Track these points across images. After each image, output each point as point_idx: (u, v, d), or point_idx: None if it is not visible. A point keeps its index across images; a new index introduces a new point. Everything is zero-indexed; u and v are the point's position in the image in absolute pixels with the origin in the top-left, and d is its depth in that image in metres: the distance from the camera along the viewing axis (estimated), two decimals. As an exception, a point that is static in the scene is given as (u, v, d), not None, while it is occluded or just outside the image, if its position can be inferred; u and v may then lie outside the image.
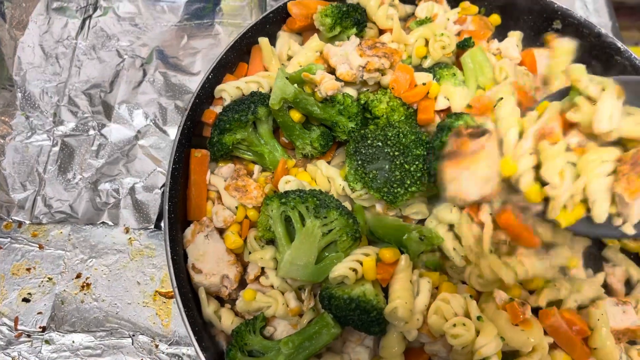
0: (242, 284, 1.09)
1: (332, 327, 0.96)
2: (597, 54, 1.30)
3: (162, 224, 1.28)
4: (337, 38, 1.27)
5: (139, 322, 1.22)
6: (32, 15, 1.53)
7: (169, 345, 1.20)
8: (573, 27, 1.31)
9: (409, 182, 0.99)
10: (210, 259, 1.06)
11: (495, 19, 1.37)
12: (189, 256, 1.08)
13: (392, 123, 1.08)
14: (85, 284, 1.25)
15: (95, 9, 1.56)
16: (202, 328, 1.02)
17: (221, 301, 1.10)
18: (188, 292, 1.04)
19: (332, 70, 1.16)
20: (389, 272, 0.98)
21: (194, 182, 1.13)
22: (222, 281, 1.06)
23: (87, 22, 1.55)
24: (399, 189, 0.99)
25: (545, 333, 0.98)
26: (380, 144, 1.02)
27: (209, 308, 1.05)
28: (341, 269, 0.96)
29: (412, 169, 0.99)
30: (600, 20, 1.72)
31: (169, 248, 1.02)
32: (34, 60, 1.48)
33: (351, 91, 1.17)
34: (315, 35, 1.27)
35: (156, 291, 1.26)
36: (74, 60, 1.49)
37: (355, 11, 1.26)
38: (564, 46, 1.28)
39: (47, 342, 1.18)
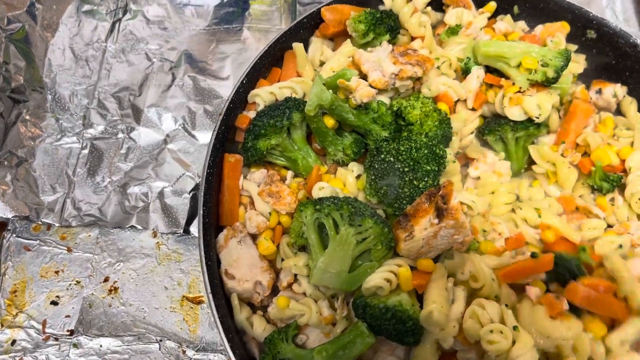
0: (274, 290, 1.08)
1: (366, 336, 0.94)
2: (632, 65, 1.28)
3: (194, 230, 1.30)
4: (370, 44, 1.26)
5: (166, 327, 1.21)
6: (63, 18, 1.53)
7: (196, 351, 1.20)
8: (608, 36, 1.29)
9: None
10: (243, 265, 1.05)
11: (490, 7, 1.35)
12: (222, 262, 1.07)
13: (409, 136, 1.06)
14: (113, 288, 1.25)
15: (124, 13, 1.57)
16: (234, 335, 1.01)
17: (252, 307, 1.09)
18: (221, 298, 1.03)
19: (363, 77, 1.15)
20: (425, 279, 0.97)
21: (227, 187, 1.12)
22: (255, 287, 1.05)
23: (117, 25, 1.56)
24: (408, 206, 0.99)
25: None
26: (392, 159, 1.01)
27: (241, 315, 1.03)
28: (375, 279, 0.94)
29: (421, 185, 0.98)
30: (630, 29, 1.70)
31: (203, 253, 1.01)
32: (64, 63, 1.48)
33: (384, 98, 1.16)
34: (348, 40, 1.26)
35: (183, 296, 1.25)
36: (104, 63, 1.49)
37: (388, 18, 1.25)
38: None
39: (75, 345, 1.18)
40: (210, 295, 0.98)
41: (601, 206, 1.13)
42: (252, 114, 1.16)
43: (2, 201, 1.25)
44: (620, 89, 1.28)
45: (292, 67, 1.25)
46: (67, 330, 1.20)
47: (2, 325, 1.20)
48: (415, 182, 0.98)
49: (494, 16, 1.37)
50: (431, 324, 0.92)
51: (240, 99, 1.18)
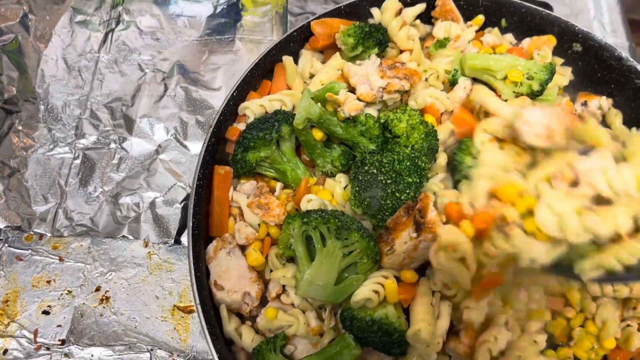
0: (263, 301, 1.09)
1: (353, 347, 0.96)
2: (617, 77, 1.30)
3: (184, 240, 1.31)
4: (359, 57, 1.28)
5: (157, 336, 1.22)
6: (56, 28, 1.55)
7: (187, 360, 1.21)
8: (593, 50, 1.32)
9: None
10: (232, 276, 1.06)
11: (478, 20, 1.38)
12: (212, 273, 1.08)
13: (392, 148, 1.09)
14: (104, 297, 1.26)
15: (117, 23, 1.58)
16: (223, 345, 1.02)
17: (241, 318, 1.10)
18: (210, 309, 1.04)
19: (351, 89, 1.17)
20: (410, 292, 0.99)
21: (217, 198, 1.13)
22: (244, 298, 1.06)
23: (110, 35, 1.57)
24: (390, 217, 1.01)
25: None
26: (375, 170, 1.03)
27: (230, 325, 1.05)
28: (364, 292, 0.96)
29: (402, 197, 1.00)
30: (618, 40, 1.73)
31: (192, 265, 1.02)
32: (57, 73, 1.49)
33: (372, 111, 1.18)
34: (337, 54, 1.28)
35: (174, 306, 1.26)
36: (97, 73, 1.51)
37: (377, 31, 1.27)
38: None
39: (66, 355, 1.19)
40: (199, 306, 0.99)
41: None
42: (242, 126, 1.18)
43: (-5, 211, 1.26)
44: (605, 102, 1.30)
45: (282, 79, 1.26)
46: (59, 340, 1.20)
47: (-7, 335, 1.20)
48: (397, 194, 1.00)
49: (482, 29, 1.39)
50: (418, 342, 0.93)
51: (230, 111, 1.20)
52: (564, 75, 1.33)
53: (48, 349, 1.19)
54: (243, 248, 1.11)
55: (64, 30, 1.55)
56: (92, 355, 1.19)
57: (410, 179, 1.00)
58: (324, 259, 0.96)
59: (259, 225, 1.11)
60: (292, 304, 1.05)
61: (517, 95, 1.19)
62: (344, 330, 0.99)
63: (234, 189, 1.17)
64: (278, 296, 1.07)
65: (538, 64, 1.20)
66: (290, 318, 1.02)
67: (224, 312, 1.05)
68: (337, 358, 0.96)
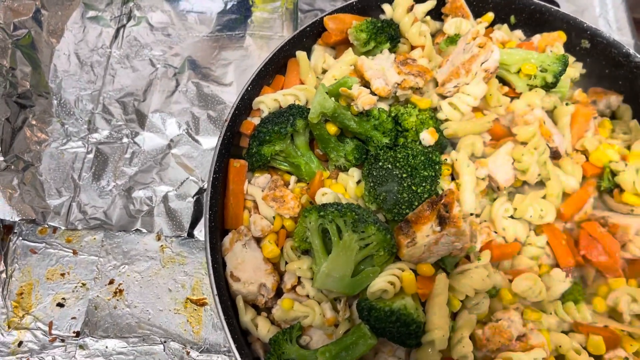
0: (278, 293, 1.10)
1: (369, 337, 0.97)
2: (624, 74, 1.32)
3: (197, 233, 1.33)
4: (370, 53, 1.29)
5: (170, 328, 1.23)
6: (68, 24, 1.56)
7: (200, 352, 1.22)
8: (601, 46, 1.33)
9: (416, 204, 1.01)
10: (248, 268, 1.07)
11: (488, 17, 1.39)
12: (228, 264, 1.09)
13: (405, 144, 1.09)
14: (117, 290, 1.27)
15: (129, 19, 1.60)
16: (240, 336, 1.03)
17: (257, 309, 1.11)
18: (227, 300, 1.05)
19: (365, 83, 1.18)
20: (428, 286, 1.00)
21: (232, 191, 1.14)
22: (260, 290, 1.08)
23: (121, 31, 1.58)
24: (407, 210, 1.01)
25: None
26: (390, 166, 1.04)
27: (246, 316, 1.06)
28: (380, 283, 0.97)
29: (419, 190, 1.01)
30: (623, 38, 1.74)
31: (209, 256, 1.03)
32: (69, 68, 1.50)
33: (384, 105, 1.19)
34: (350, 49, 1.29)
35: (187, 298, 1.28)
36: (108, 68, 1.52)
37: (389, 27, 1.28)
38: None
39: (81, 347, 1.20)
40: (217, 297, 1.00)
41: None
42: (256, 120, 1.19)
43: (9, 205, 1.26)
44: (615, 100, 1.31)
45: (295, 74, 1.27)
46: (73, 332, 1.22)
47: (9, 327, 1.21)
48: (413, 187, 1.01)
49: (491, 25, 1.40)
50: (431, 348, 0.95)
51: (244, 106, 1.21)
52: (576, 67, 1.34)
53: (63, 340, 1.21)
54: (258, 240, 1.12)
55: (75, 26, 1.56)
56: (106, 347, 1.20)
57: (425, 173, 1.01)
58: (340, 252, 0.97)
59: (273, 217, 1.12)
60: (307, 296, 1.06)
61: (531, 87, 1.21)
62: (360, 321, 1.00)
63: (249, 182, 1.18)
64: (293, 287, 1.08)
65: (551, 56, 1.21)
66: (305, 309, 1.03)
67: (240, 303, 1.06)
68: (353, 348, 0.97)
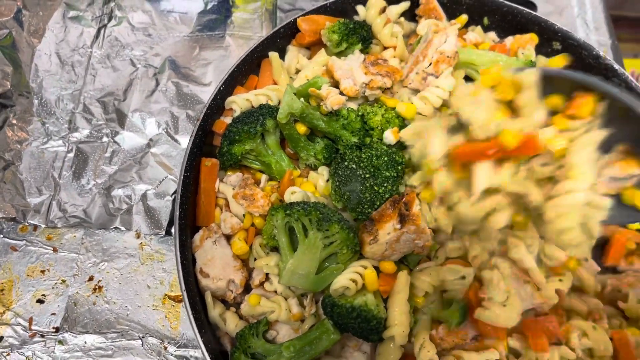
0: (247, 288, 1.13)
1: (332, 333, 1.01)
2: (595, 75, 1.33)
3: (173, 230, 1.35)
4: (343, 53, 1.31)
5: (149, 324, 1.26)
6: (49, 24, 1.57)
7: (177, 347, 1.24)
8: (572, 48, 1.35)
9: (378, 204, 1.04)
10: (218, 264, 1.10)
11: (461, 19, 1.41)
12: (197, 261, 1.12)
13: (371, 144, 1.12)
14: (97, 287, 1.30)
15: (110, 19, 1.61)
16: (208, 330, 1.07)
17: (226, 304, 1.14)
18: (195, 295, 1.08)
19: (336, 84, 1.21)
20: (389, 283, 1.03)
21: (203, 190, 1.17)
22: (228, 285, 1.10)
23: (102, 31, 1.60)
24: (369, 210, 1.04)
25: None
26: (354, 165, 1.06)
27: (214, 311, 1.09)
28: (342, 280, 1.00)
29: (380, 190, 1.04)
30: (600, 38, 1.77)
31: (178, 252, 1.06)
32: (50, 68, 1.52)
33: (353, 105, 1.22)
34: (323, 50, 1.31)
35: (165, 295, 1.30)
36: (89, 68, 1.54)
37: (361, 28, 1.30)
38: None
39: (60, 342, 1.23)
40: (184, 292, 1.03)
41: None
42: (228, 120, 1.21)
43: (-10, 203, 1.29)
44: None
45: (268, 74, 1.30)
46: (53, 328, 1.24)
47: (-11, 323, 1.24)
48: (375, 187, 1.04)
49: (465, 27, 1.42)
50: (392, 343, 0.99)
51: (217, 105, 1.23)
52: None
53: (42, 336, 1.23)
54: (228, 237, 1.15)
55: (57, 26, 1.58)
56: (85, 342, 1.23)
57: (387, 173, 1.04)
58: (305, 250, 1.00)
59: (243, 215, 1.15)
60: (275, 292, 1.09)
61: None
62: (324, 317, 1.04)
63: (221, 180, 1.20)
64: (261, 284, 1.11)
65: (519, 60, 1.23)
66: (272, 304, 1.06)
67: (208, 299, 1.09)
68: (317, 343, 1.00)
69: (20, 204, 1.33)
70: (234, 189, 1.17)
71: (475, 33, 1.38)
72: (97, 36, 1.59)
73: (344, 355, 1.06)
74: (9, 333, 1.23)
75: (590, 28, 1.77)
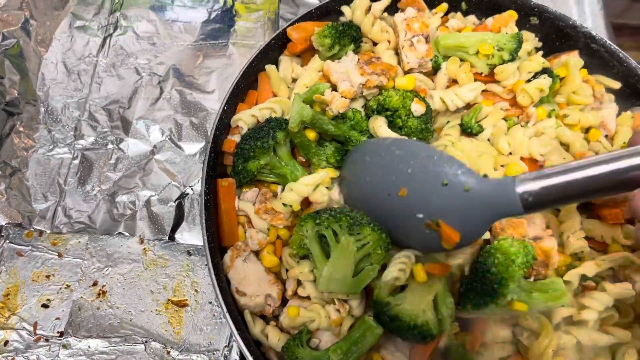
0: (283, 300, 1.13)
1: (374, 328, 1.02)
2: (574, 44, 1.38)
3: (179, 237, 1.37)
4: (336, 56, 1.31)
5: (152, 329, 1.27)
6: (56, 33, 1.60)
7: (180, 352, 1.25)
8: (549, 21, 1.39)
9: None
10: (252, 281, 1.10)
11: (442, 7, 1.44)
12: (232, 281, 1.12)
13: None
14: (101, 292, 1.31)
15: (115, 28, 1.64)
16: (255, 347, 1.07)
17: (264, 318, 1.14)
18: (237, 316, 1.08)
19: (333, 87, 1.23)
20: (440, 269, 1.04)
21: (224, 210, 1.17)
22: (266, 300, 1.10)
23: (108, 40, 1.62)
24: None
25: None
26: None
27: (256, 328, 1.09)
28: (393, 272, 1.00)
29: None
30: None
31: (214, 276, 1.06)
32: (56, 77, 1.55)
33: (357, 105, 1.24)
34: (316, 56, 1.32)
35: (169, 300, 1.32)
36: (95, 76, 1.56)
37: (350, 29, 1.31)
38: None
39: (64, 346, 1.24)
40: (228, 315, 1.03)
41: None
42: (236, 138, 1.22)
43: (-4, 209, 1.31)
44: (565, 57, 1.36)
45: (267, 87, 1.31)
46: (57, 332, 1.25)
47: (-5, 327, 1.26)
48: None
49: (445, 15, 1.44)
50: None
51: (223, 125, 1.24)
52: (528, 40, 1.39)
53: (47, 340, 1.24)
54: (257, 253, 1.16)
55: (63, 35, 1.61)
56: (89, 347, 1.24)
57: None
58: (339, 255, 1.01)
59: (268, 229, 1.16)
60: (309, 297, 1.10)
61: (491, 67, 1.26)
62: (362, 314, 1.06)
63: (238, 198, 1.20)
64: (295, 292, 1.11)
65: (506, 35, 1.27)
66: (311, 314, 1.07)
67: (248, 317, 1.09)
68: (362, 341, 1.01)
69: (26, 210, 1.35)
70: (253, 204, 1.18)
71: (456, 19, 1.40)
72: (102, 45, 1.61)
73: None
74: (14, 337, 1.25)
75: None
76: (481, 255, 1.02)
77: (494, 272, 0.98)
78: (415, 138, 1.19)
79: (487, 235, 1.07)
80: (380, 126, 1.19)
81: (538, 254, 1.04)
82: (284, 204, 1.12)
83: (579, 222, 1.13)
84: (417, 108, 1.17)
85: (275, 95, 1.31)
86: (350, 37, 1.30)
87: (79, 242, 1.36)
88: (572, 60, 1.31)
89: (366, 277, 1.02)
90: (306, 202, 1.16)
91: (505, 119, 1.28)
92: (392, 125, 1.20)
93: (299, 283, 1.12)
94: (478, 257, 1.04)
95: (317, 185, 1.12)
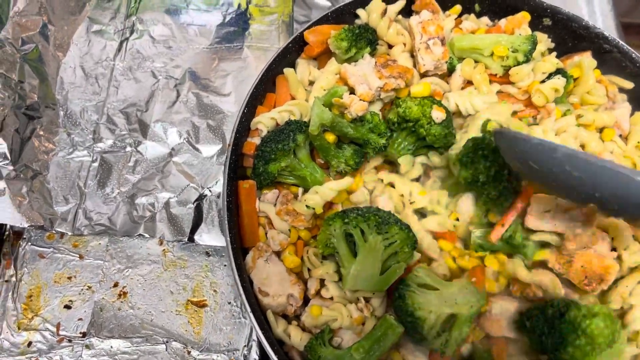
0: (305, 299, 1.15)
1: (396, 327, 1.03)
2: (587, 45, 1.40)
3: (198, 238, 1.37)
4: (352, 59, 1.32)
5: (172, 329, 1.29)
6: (74, 38, 1.62)
7: (200, 351, 1.27)
8: (562, 22, 1.40)
9: None
10: (274, 281, 1.12)
11: (456, 9, 1.45)
12: (254, 281, 1.13)
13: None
14: (122, 293, 1.33)
15: (131, 32, 1.66)
16: (278, 347, 1.08)
17: (286, 318, 1.16)
18: (260, 315, 1.10)
19: (350, 89, 1.24)
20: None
21: (246, 212, 1.19)
22: (289, 300, 1.12)
23: (124, 44, 1.64)
24: None
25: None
26: None
27: (278, 328, 1.10)
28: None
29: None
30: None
31: (237, 276, 1.07)
32: (75, 80, 1.56)
33: (375, 108, 1.26)
34: (333, 58, 1.34)
35: (188, 300, 1.33)
36: (112, 80, 1.58)
37: (367, 32, 1.32)
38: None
39: (87, 347, 1.26)
40: (251, 315, 1.05)
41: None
42: (256, 140, 1.24)
43: (19, 212, 1.32)
44: (578, 57, 1.37)
45: (285, 90, 1.32)
46: (80, 333, 1.28)
47: (18, 328, 1.27)
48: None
49: (459, 17, 1.46)
50: None
51: (243, 128, 1.25)
52: (541, 41, 1.40)
53: (70, 341, 1.27)
54: (278, 254, 1.17)
55: (81, 40, 1.62)
56: (111, 347, 1.26)
57: None
58: (367, 253, 1.03)
59: (289, 230, 1.18)
60: (332, 298, 1.11)
61: (506, 68, 1.28)
62: (383, 313, 1.08)
63: (259, 199, 1.22)
64: (317, 292, 1.13)
65: (520, 37, 1.29)
66: (333, 313, 1.08)
67: (271, 318, 1.11)
68: (384, 339, 1.03)
69: (48, 213, 1.37)
70: (274, 206, 1.19)
71: (469, 21, 1.41)
72: (119, 49, 1.63)
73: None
74: (38, 338, 1.27)
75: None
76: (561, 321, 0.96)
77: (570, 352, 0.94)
78: (440, 144, 1.19)
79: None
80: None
81: (598, 268, 1.04)
82: (307, 206, 1.13)
83: (630, 237, 1.10)
84: (438, 115, 1.17)
85: (293, 98, 1.32)
86: (367, 40, 1.31)
87: (100, 243, 1.38)
88: (585, 61, 1.32)
89: (393, 275, 1.04)
90: (327, 205, 1.18)
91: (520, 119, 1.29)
92: (414, 134, 1.20)
93: (321, 283, 1.13)
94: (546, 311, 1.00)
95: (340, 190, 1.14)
